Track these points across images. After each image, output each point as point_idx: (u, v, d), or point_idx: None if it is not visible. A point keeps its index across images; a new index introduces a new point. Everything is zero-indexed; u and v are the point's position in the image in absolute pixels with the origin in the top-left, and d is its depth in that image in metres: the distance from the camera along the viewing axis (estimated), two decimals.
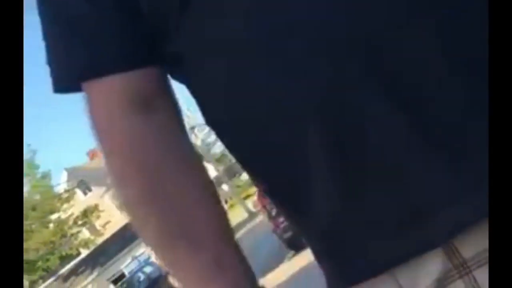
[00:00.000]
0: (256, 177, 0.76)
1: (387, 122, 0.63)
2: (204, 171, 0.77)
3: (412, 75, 0.62)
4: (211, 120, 0.76)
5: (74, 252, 34.34)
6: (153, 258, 28.71)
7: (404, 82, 0.62)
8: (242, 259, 0.75)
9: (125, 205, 0.76)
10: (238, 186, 26.83)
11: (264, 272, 9.26)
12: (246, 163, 0.76)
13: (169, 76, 0.79)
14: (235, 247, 0.75)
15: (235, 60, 0.68)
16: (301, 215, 0.72)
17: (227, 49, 0.68)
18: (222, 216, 0.76)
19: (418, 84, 0.62)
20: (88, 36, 0.74)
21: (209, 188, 0.77)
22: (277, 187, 0.73)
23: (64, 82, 0.77)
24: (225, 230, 0.75)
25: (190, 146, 0.78)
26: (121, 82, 0.74)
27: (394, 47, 0.62)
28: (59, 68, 0.77)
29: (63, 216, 33.11)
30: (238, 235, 22.34)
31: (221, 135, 0.76)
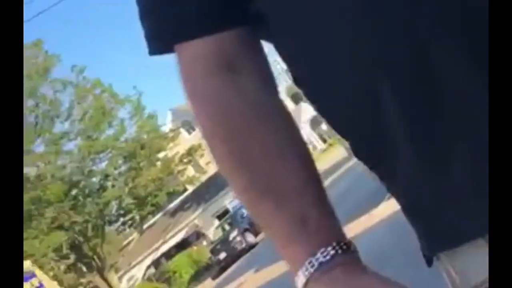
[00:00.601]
0: (344, 138, 0.77)
1: (466, 84, 0.63)
2: (293, 128, 0.77)
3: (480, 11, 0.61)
4: (297, 80, 0.78)
5: (181, 189, 35.56)
6: None
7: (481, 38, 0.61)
8: (328, 213, 0.74)
9: (216, 161, 0.77)
10: None
11: (363, 212, 9.26)
12: (330, 123, 0.77)
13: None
14: (322, 201, 0.74)
15: (313, 19, 0.69)
16: (389, 179, 0.73)
17: (305, 8, 0.69)
18: (310, 172, 0.75)
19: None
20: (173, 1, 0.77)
21: (297, 144, 0.76)
22: (363, 151, 0.75)
23: (155, 45, 0.80)
24: (312, 185, 0.74)
25: (276, 105, 0.78)
26: (206, 45, 0.76)
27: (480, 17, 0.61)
28: (150, 31, 0.80)
29: (170, 154, 34.10)
30: (336, 174, 22.09)
31: (306, 95, 0.77)
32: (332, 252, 0.69)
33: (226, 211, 33.38)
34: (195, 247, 30.20)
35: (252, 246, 23.84)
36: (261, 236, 24.51)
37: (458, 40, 0.62)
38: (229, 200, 34.09)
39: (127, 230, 33.59)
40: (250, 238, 24.48)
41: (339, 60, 0.69)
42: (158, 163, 32.99)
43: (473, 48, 0.62)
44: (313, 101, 0.77)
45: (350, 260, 0.70)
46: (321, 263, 0.69)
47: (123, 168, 31.64)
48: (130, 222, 32.33)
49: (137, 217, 31.87)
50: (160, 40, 0.80)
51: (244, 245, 24.25)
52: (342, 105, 0.72)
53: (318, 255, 0.69)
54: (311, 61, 0.72)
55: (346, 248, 0.70)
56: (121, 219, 31.93)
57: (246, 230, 24.65)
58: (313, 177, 0.75)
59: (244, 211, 26.22)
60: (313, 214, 0.72)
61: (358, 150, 0.75)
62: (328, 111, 0.75)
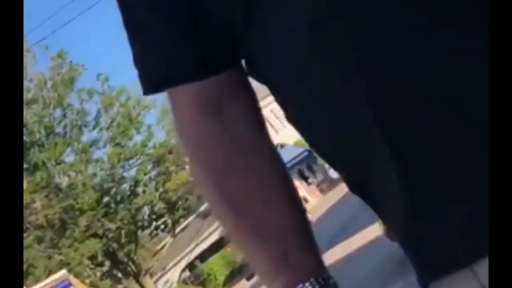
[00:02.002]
0: (337, 172, 0.78)
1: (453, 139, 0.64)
2: (281, 167, 0.80)
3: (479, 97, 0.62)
4: (288, 118, 0.78)
5: None
6: None
7: (471, 99, 0.62)
8: (308, 249, 0.77)
9: (206, 199, 0.80)
10: None
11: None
12: (324, 160, 0.77)
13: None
14: (304, 238, 0.77)
15: (296, 66, 0.70)
16: (382, 213, 0.75)
17: (290, 51, 0.69)
18: (296, 212, 0.78)
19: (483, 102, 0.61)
20: (159, 46, 0.78)
21: (285, 184, 0.79)
22: (354, 188, 0.76)
23: (147, 87, 0.82)
24: (295, 222, 0.77)
25: (265, 143, 0.79)
26: (193, 89, 0.77)
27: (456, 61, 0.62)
28: (142, 73, 0.81)
29: None
30: None
31: (299, 132, 0.78)
32: (310, 287, 0.74)
33: None
34: (228, 248, 30.27)
35: None
36: None
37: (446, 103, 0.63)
38: None
39: (160, 234, 33.79)
40: None
41: (327, 101, 0.69)
42: (187, 166, 33.01)
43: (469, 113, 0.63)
44: (307, 140, 0.78)
45: None
46: None
47: (153, 173, 31.87)
48: (162, 226, 32.49)
49: (169, 221, 32.06)
50: (151, 83, 0.82)
51: None
52: (332, 147, 0.73)
53: None
54: (301, 104, 0.73)
55: (324, 283, 0.75)
56: (154, 224, 32.10)
57: None
58: (297, 214, 0.78)
59: None
60: (294, 252, 0.76)
61: (351, 187, 0.77)
62: (319, 150, 0.77)
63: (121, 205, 29.49)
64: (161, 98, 32.83)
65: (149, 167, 31.66)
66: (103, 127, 29.93)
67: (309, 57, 0.68)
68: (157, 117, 31.82)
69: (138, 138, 30.92)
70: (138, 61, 0.81)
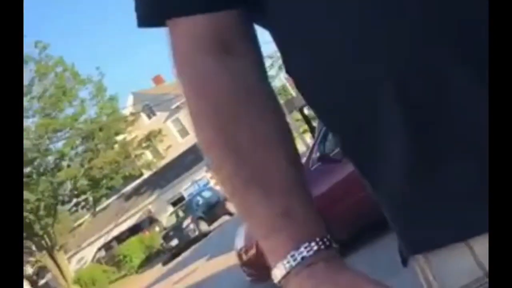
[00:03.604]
0: (333, 132, 0.76)
1: (467, 89, 0.62)
2: (282, 118, 0.76)
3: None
4: (291, 69, 0.76)
5: (137, 173, 35.18)
6: (212, 184, 29.28)
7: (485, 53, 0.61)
8: (312, 209, 0.73)
9: (201, 144, 0.76)
10: (297, 120, 26.79)
11: None
12: (323, 117, 0.76)
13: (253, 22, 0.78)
14: (306, 196, 0.74)
15: (317, 6, 0.69)
16: (374, 179, 0.73)
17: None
18: (296, 164, 0.75)
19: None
20: None
21: (286, 135, 0.75)
22: (351, 147, 0.74)
23: (149, 18, 0.78)
24: (297, 179, 0.74)
25: (267, 92, 0.77)
26: (203, 23, 0.75)
27: (479, 20, 0.62)
28: (144, 3, 0.78)
29: (128, 138, 33.92)
30: None
31: (299, 86, 0.76)
32: (315, 247, 0.69)
33: (181, 198, 33.44)
34: (147, 232, 30.10)
35: (205, 235, 23.80)
36: (214, 225, 24.66)
37: (464, 52, 0.62)
38: (185, 187, 34.07)
39: (80, 211, 33.26)
40: (204, 226, 24.45)
41: (341, 53, 0.68)
42: (116, 146, 32.70)
43: (479, 62, 0.62)
44: (305, 92, 0.76)
45: (332, 256, 0.70)
46: (303, 258, 0.69)
47: (80, 148, 31.33)
48: (83, 203, 32.01)
49: (91, 199, 31.59)
50: (153, 12, 0.77)
51: (197, 233, 24.18)
52: (338, 99, 0.71)
53: (302, 249, 0.69)
54: (310, 51, 0.71)
55: (329, 244, 0.71)
56: (75, 200, 31.58)
57: (200, 218, 24.62)
58: (298, 171, 0.75)
59: (200, 199, 26.26)
60: (298, 208, 0.72)
61: (348, 145, 0.75)
62: (320, 103, 0.75)
63: (43, 177, 28.90)
64: (97, 74, 32.11)
65: (77, 142, 31.10)
66: (34, 96, 29.22)
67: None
68: (92, 92, 31.18)
69: (69, 112, 30.35)
70: None
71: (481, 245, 0.65)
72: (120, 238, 31.01)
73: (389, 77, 0.65)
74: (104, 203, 34.89)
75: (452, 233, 0.66)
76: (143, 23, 0.79)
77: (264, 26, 0.78)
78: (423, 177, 0.67)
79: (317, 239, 0.70)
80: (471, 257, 0.66)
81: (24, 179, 27.47)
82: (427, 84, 0.64)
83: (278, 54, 0.79)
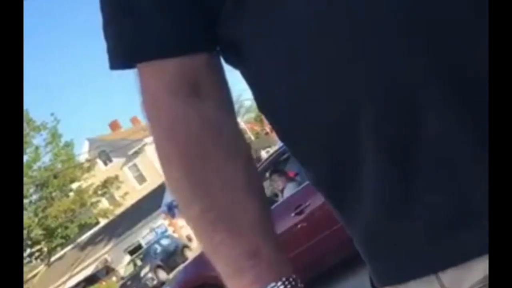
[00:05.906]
0: (306, 166, 0.77)
1: (444, 118, 0.63)
2: (249, 160, 0.77)
3: (475, 71, 0.62)
4: (264, 104, 0.77)
5: (93, 221, 34.71)
6: (170, 231, 28.98)
7: (466, 77, 0.62)
8: (277, 248, 0.74)
9: (169, 185, 0.76)
10: None
11: None
12: (296, 150, 0.77)
13: (222, 62, 0.80)
14: (272, 237, 0.74)
15: (293, 42, 0.69)
16: (346, 210, 0.74)
17: (286, 32, 0.69)
18: (263, 206, 0.75)
19: (479, 79, 0.62)
20: (144, 18, 0.75)
21: (253, 176, 0.76)
22: (325, 179, 0.74)
23: (121, 61, 0.78)
24: (264, 219, 0.74)
25: (236, 134, 0.78)
26: (173, 65, 0.75)
27: (458, 40, 0.62)
28: (114, 44, 0.78)
29: (84, 185, 33.45)
30: None
31: (272, 120, 0.77)
32: (282, 287, 0.71)
33: (138, 247, 32.96)
34: (104, 283, 29.45)
35: (163, 283, 23.42)
36: (173, 273, 24.28)
37: (447, 90, 0.63)
38: (143, 235, 33.62)
39: (34, 262, 32.50)
40: (162, 275, 24.08)
41: (316, 84, 0.69)
42: (71, 193, 32.38)
43: (466, 109, 0.63)
44: (280, 126, 0.76)
45: None
46: None
47: (34, 197, 30.85)
48: (37, 253, 31.31)
49: (45, 249, 31.06)
50: (125, 55, 0.78)
51: (155, 282, 23.78)
52: (313, 132, 0.72)
53: None
54: (283, 85, 0.72)
55: (295, 283, 0.72)
56: (28, 250, 30.89)
57: (158, 266, 24.30)
58: (265, 212, 0.75)
59: (158, 247, 25.97)
60: (265, 248, 0.73)
61: (320, 178, 0.75)
62: (293, 137, 0.75)
63: None
64: (52, 120, 31.91)
65: (31, 190, 30.59)
66: None
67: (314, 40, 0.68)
68: (46, 138, 30.80)
69: (23, 159, 29.82)
70: (114, 28, 0.78)
71: (450, 277, 0.66)
72: None
73: (367, 105, 0.66)
74: (59, 253, 34.20)
75: (422, 265, 0.68)
76: (115, 66, 0.79)
77: (235, 65, 0.78)
78: (395, 209, 0.68)
79: (283, 279, 0.71)
80: None
81: None
82: (402, 115, 0.65)
83: None
